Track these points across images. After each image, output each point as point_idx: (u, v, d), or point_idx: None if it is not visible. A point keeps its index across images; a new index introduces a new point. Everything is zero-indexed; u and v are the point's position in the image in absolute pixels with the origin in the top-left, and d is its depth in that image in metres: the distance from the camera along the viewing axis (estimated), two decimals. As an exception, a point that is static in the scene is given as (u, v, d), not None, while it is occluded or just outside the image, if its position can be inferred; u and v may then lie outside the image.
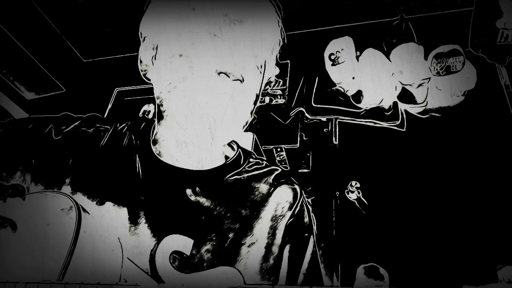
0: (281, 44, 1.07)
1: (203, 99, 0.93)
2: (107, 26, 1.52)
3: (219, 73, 0.94)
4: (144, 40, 1.04)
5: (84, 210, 0.89)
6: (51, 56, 1.57)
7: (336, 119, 1.31)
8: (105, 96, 1.56)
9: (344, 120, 1.30)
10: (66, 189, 0.94)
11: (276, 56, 1.06)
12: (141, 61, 1.05)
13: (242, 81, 0.96)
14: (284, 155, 1.34)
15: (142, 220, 0.92)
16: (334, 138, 1.29)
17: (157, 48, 1.00)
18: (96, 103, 1.53)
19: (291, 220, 0.99)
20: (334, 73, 1.31)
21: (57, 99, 1.62)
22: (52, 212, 0.88)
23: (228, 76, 0.94)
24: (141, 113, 1.51)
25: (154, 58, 1.00)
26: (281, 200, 1.00)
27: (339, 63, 1.30)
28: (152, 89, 1.54)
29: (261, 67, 1.01)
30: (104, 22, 1.51)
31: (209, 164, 1.00)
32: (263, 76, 1.03)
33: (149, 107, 1.51)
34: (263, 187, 1.01)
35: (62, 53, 1.59)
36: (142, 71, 1.05)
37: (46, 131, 1.02)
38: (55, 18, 1.51)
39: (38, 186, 0.96)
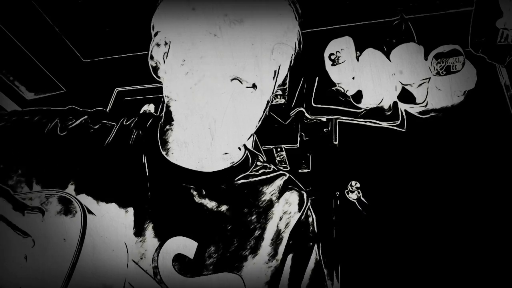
0: (297, 50, 1.04)
1: (203, 99, 0.93)
2: (107, 26, 1.52)
3: (232, 79, 0.93)
4: (156, 34, 1.00)
5: (90, 212, 0.89)
6: (51, 56, 1.57)
7: (336, 119, 1.31)
8: (105, 96, 1.56)
9: (344, 120, 1.30)
10: (70, 188, 0.93)
11: (291, 58, 1.04)
12: (152, 57, 1.01)
13: (255, 88, 0.95)
14: (284, 155, 1.34)
15: (145, 221, 0.92)
16: (334, 138, 1.30)
17: (170, 45, 0.97)
18: (96, 103, 1.53)
19: (296, 227, 0.98)
20: (334, 73, 1.31)
21: (57, 99, 1.62)
22: (54, 214, 0.88)
23: (241, 83, 0.93)
24: (141, 112, 1.51)
25: (166, 55, 0.98)
26: (288, 207, 0.99)
27: (339, 63, 1.30)
28: (152, 89, 1.55)
29: (275, 72, 0.99)
30: (104, 22, 1.51)
31: (209, 164, 0.99)
32: (276, 82, 1.02)
33: (149, 107, 1.51)
34: (270, 193, 1.00)
35: (62, 53, 1.59)
36: (152, 67, 1.02)
37: (52, 126, 1.00)
38: (55, 18, 1.51)
39: (39, 184, 0.95)
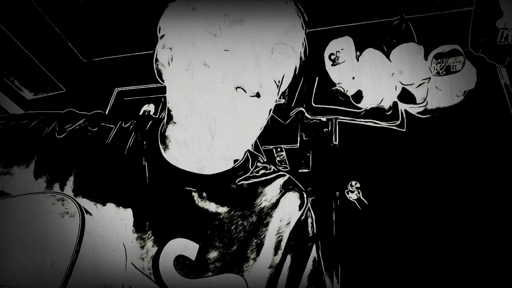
0: (302, 60, 1.05)
1: (203, 99, 0.93)
2: (107, 26, 1.52)
3: (236, 88, 0.93)
4: (162, 37, 1.00)
5: (87, 212, 0.88)
6: (51, 56, 1.57)
7: (336, 119, 1.31)
8: (105, 96, 1.56)
9: (344, 120, 1.30)
10: (68, 189, 0.93)
11: (296, 67, 1.04)
12: (157, 60, 1.01)
13: (259, 97, 0.95)
14: (284, 155, 1.34)
15: (145, 222, 0.92)
16: (334, 138, 1.29)
17: (173, 47, 0.98)
18: (96, 103, 1.53)
19: (296, 228, 0.98)
20: (334, 73, 1.31)
21: (57, 99, 1.62)
22: (53, 215, 0.88)
23: (245, 91, 0.93)
24: (141, 113, 1.51)
25: (171, 59, 0.98)
26: (288, 208, 1.00)
27: (339, 63, 1.30)
28: (152, 89, 1.55)
29: (278, 82, 0.99)
30: (104, 22, 1.51)
31: (209, 164, 0.99)
32: (279, 91, 1.02)
33: (149, 107, 1.51)
34: (271, 194, 1.00)
35: (62, 53, 1.59)
36: (157, 70, 1.02)
37: (50, 129, 1.00)
38: (55, 18, 1.51)
39: (39, 185, 0.95)
